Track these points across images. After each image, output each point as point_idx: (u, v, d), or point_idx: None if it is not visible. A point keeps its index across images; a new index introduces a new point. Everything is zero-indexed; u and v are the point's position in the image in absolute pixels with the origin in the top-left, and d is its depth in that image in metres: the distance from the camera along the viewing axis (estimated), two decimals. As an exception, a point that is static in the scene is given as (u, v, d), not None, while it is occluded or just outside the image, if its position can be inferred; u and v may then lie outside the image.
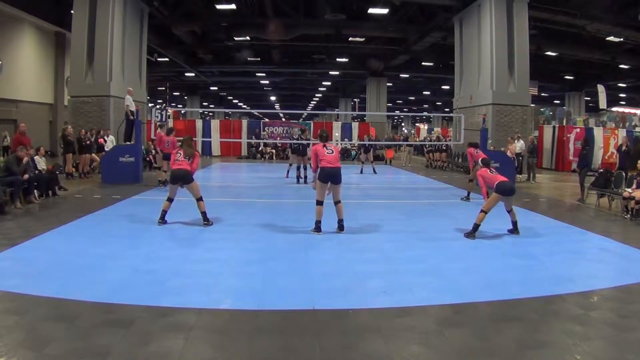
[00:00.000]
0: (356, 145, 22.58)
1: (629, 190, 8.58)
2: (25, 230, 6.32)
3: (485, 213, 6.63)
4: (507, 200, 6.77)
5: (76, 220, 7.10)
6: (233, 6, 17.72)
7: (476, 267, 5.20)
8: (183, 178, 6.89)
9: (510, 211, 6.90)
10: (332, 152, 6.63)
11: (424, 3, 18.05)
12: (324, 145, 6.65)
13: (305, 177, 12.63)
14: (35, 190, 8.75)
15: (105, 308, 3.75)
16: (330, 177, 6.48)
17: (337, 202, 6.65)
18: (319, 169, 6.60)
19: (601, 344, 3.38)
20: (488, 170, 7.02)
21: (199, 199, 6.98)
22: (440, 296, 4.23)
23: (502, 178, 6.83)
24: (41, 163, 9.63)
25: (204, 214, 7.00)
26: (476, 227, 6.62)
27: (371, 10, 18.13)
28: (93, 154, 13.21)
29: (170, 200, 6.98)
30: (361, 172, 16.02)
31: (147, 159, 15.68)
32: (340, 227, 6.68)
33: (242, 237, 6.44)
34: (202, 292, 4.20)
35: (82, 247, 5.60)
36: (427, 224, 7.75)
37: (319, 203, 6.53)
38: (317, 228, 6.55)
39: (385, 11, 18.28)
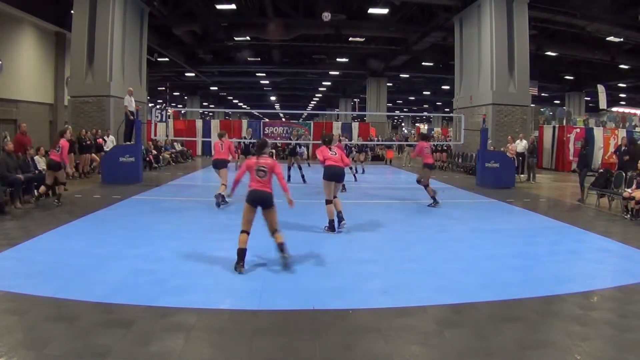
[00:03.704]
0: (356, 145, 22.57)
1: (629, 190, 8.58)
2: (25, 230, 6.32)
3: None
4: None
5: (76, 220, 7.11)
6: (233, 6, 17.72)
7: (476, 267, 5.20)
8: (53, 167, 8.38)
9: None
10: (336, 153, 6.96)
11: (424, 3, 18.05)
12: (329, 148, 7.01)
13: (303, 175, 12.70)
14: (35, 190, 8.75)
15: (105, 308, 3.75)
16: (335, 176, 6.83)
17: (334, 197, 6.95)
18: (324, 168, 6.93)
19: (601, 344, 3.37)
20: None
21: (63, 183, 8.60)
22: (440, 296, 4.23)
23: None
24: (41, 163, 9.63)
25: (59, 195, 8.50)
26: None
27: (371, 10, 18.14)
28: (93, 154, 13.22)
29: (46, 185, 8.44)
30: (363, 171, 15.91)
31: (147, 159, 15.68)
32: (340, 219, 6.88)
33: (242, 237, 6.44)
34: (202, 292, 4.20)
35: (82, 247, 5.60)
36: (427, 224, 7.75)
37: (328, 202, 6.74)
38: (331, 227, 6.70)
39: (385, 11, 18.29)
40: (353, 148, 17.23)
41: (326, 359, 3.11)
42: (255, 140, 9.81)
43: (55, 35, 19.78)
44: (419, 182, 9.69)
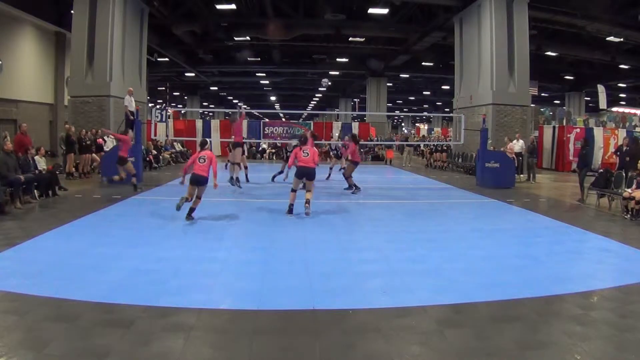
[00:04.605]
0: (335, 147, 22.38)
1: (629, 190, 8.58)
2: (25, 230, 6.32)
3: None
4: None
5: (76, 220, 7.10)
6: (233, 6, 17.72)
7: (476, 267, 5.20)
8: (120, 162, 10.25)
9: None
10: (308, 155, 8.02)
11: (424, 3, 18.05)
12: (301, 149, 8.09)
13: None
14: (35, 190, 8.75)
15: (105, 308, 3.75)
16: (304, 174, 7.94)
17: (307, 191, 8.09)
18: (296, 168, 8.09)
19: (601, 344, 3.37)
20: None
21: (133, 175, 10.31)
22: (440, 296, 4.23)
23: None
24: (41, 163, 9.63)
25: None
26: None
27: (371, 10, 18.14)
28: (93, 154, 13.22)
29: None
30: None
31: (147, 159, 15.67)
32: (307, 202, 7.94)
33: (242, 237, 6.45)
34: (202, 292, 4.20)
35: (82, 247, 5.60)
36: (427, 224, 7.75)
37: (293, 191, 7.98)
38: (290, 210, 7.79)
39: (385, 11, 18.29)
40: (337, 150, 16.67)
41: (326, 359, 3.11)
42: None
43: (55, 35, 19.80)
44: (344, 175, 11.31)
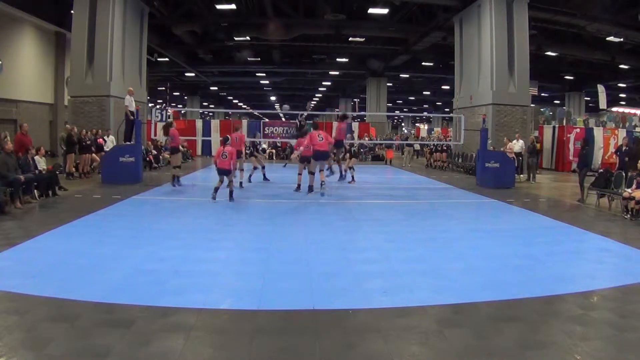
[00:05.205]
0: (356, 145, 22.42)
1: (629, 190, 8.58)
2: (25, 230, 6.32)
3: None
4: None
5: (76, 220, 7.10)
6: (233, 6, 17.73)
7: (476, 267, 5.19)
8: (172, 151, 11.46)
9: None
10: (322, 139, 9.25)
11: (424, 3, 18.05)
12: (318, 135, 9.29)
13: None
14: (35, 190, 8.75)
15: (105, 308, 3.75)
16: (322, 156, 9.37)
17: (321, 170, 9.50)
18: (313, 151, 9.34)
19: (601, 344, 3.37)
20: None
21: (178, 166, 11.29)
22: (440, 296, 4.23)
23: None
24: (41, 163, 9.63)
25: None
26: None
27: (371, 10, 18.15)
28: (93, 154, 13.22)
29: None
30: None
31: (147, 159, 15.67)
32: (322, 182, 9.38)
33: (242, 237, 6.45)
34: (202, 292, 4.20)
35: (82, 247, 5.60)
36: (427, 224, 7.74)
37: (311, 173, 9.25)
38: (310, 189, 9.16)
39: (385, 11, 18.30)
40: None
41: (326, 359, 3.11)
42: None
43: (55, 35, 19.80)
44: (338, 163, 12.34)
